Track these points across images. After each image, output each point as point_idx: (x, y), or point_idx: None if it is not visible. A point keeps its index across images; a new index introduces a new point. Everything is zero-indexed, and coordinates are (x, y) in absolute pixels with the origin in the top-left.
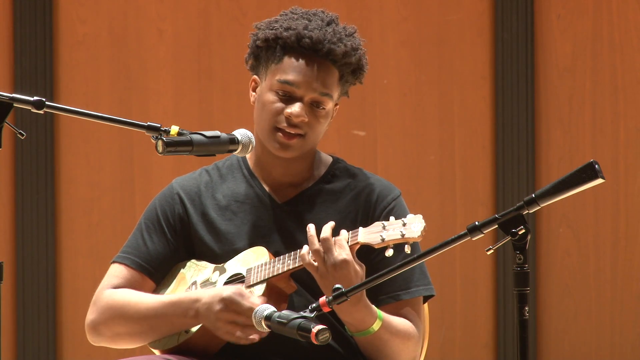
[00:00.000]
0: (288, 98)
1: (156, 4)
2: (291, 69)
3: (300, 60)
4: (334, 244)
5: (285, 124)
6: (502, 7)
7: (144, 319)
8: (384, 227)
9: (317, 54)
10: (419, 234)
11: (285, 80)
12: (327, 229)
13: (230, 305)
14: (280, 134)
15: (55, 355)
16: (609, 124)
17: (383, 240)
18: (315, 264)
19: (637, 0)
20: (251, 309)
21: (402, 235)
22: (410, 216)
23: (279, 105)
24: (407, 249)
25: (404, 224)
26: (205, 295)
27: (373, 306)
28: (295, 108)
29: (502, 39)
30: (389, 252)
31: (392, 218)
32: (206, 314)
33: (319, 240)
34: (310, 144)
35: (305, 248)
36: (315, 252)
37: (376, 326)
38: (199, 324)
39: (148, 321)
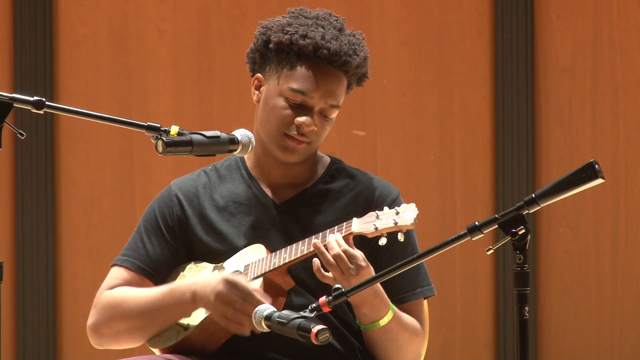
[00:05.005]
0: (298, 105)
1: (156, 4)
2: (305, 79)
3: (315, 70)
4: (346, 256)
5: (294, 132)
6: (502, 7)
7: (143, 313)
8: (377, 217)
9: (332, 64)
10: (412, 221)
11: (298, 89)
12: (335, 245)
13: (232, 286)
14: (288, 139)
15: (55, 355)
16: (609, 124)
17: (376, 229)
18: (330, 275)
19: (637, 0)
20: (251, 294)
21: (395, 223)
22: (403, 205)
23: (289, 112)
24: (400, 237)
25: (397, 213)
26: (204, 279)
27: (387, 297)
28: (307, 118)
29: (502, 39)
30: (382, 241)
31: (385, 208)
32: (204, 293)
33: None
34: (314, 149)
35: (317, 262)
36: (331, 268)
37: (389, 317)
38: (196, 309)
39: (146, 314)
